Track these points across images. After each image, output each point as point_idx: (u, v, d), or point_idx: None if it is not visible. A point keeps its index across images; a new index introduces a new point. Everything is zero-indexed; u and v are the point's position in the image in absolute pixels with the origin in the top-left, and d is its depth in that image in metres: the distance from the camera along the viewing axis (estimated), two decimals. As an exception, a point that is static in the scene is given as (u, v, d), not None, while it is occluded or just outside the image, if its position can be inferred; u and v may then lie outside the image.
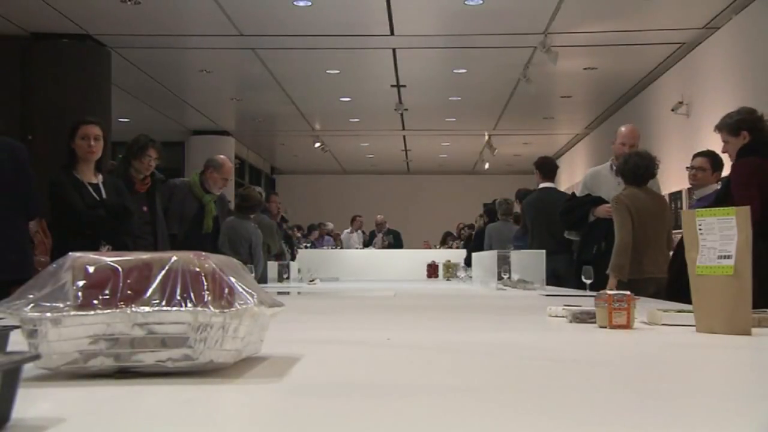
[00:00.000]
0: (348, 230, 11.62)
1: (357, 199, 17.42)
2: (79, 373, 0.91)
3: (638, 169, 3.98)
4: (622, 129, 4.56)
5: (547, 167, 5.50)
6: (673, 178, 8.01)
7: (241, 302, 0.95)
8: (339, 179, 18.23)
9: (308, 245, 10.27)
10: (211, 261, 0.96)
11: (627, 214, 3.90)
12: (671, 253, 3.98)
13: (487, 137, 13.60)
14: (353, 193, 17.90)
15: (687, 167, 4.24)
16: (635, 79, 9.71)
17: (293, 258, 7.20)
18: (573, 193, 4.82)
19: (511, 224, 6.94)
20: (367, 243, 11.33)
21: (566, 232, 4.72)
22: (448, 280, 7.20)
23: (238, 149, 14.13)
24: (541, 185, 5.50)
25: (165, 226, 4.23)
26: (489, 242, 6.91)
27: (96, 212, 3.58)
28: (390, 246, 10.65)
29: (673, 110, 8.68)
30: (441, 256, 8.35)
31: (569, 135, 13.77)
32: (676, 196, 8.29)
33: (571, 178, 14.11)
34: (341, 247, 11.36)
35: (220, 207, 4.90)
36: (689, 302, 1.61)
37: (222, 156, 4.94)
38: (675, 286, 3.55)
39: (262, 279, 5.15)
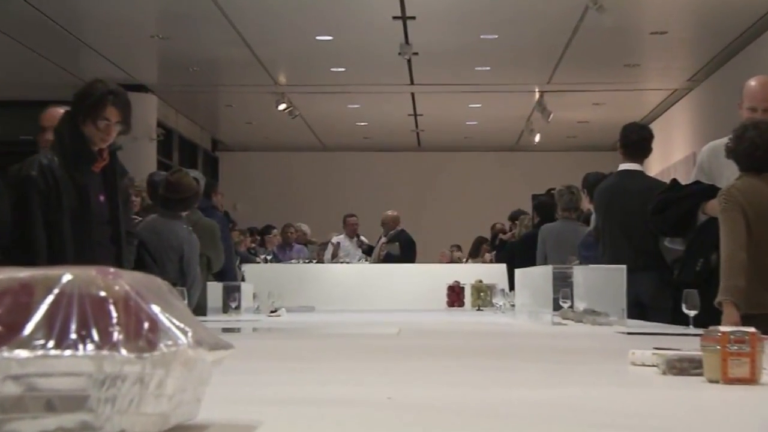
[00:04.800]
0: (340, 235, 11.56)
1: (343, 190, 17.44)
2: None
3: (756, 149, 3.91)
4: (752, 84, 4.45)
5: (635, 140, 5.48)
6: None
7: (169, 342, 0.95)
8: (316, 159, 18.25)
9: (267, 257, 10.27)
10: (123, 281, 0.96)
11: (740, 215, 3.87)
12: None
13: (538, 95, 13.60)
14: (338, 180, 17.94)
15: None
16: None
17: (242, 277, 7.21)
18: (674, 181, 4.78)
19: (576, 225, 6.94)
20: (366, 252, 11.30)
21: (666, 240, 4.72)
22: (478, 309, 7.17)
23: (162, 113, 14.14)
24: (622, 167, 5.49)
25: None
26: (543, 253, 6.90)
27: None
28: (390, 258, 10.59)
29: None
30: (469, 273, 8.33)
31: (663, 91, 13.79)
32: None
33: (664, 156, 14.13)
34: (318, 260, 11.35)
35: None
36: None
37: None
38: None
39: (198, 308, 5.15)
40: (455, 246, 14.69)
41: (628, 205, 5.24)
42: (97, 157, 3.89)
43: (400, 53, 11.10)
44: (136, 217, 5.14)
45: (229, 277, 6.27)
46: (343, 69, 12.42)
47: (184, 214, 5.44)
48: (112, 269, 0.98)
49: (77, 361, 0.91)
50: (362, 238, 11.49)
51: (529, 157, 17.68)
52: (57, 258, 3.64)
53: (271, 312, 5.78)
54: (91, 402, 0.91)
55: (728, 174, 4.26)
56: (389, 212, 11.25)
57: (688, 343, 2.24)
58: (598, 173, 6.34)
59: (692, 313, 3.57)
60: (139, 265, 4.23)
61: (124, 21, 10.30)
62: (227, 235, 6.99)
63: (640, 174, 5.48)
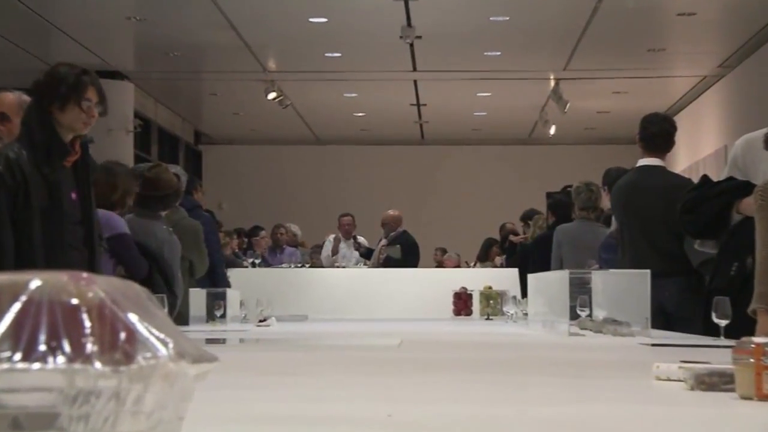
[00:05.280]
0: (334, 237, 11.55)
1: (338, 187, 17.46)
2: None
3: None
4: None
5: (655, 132, 5.48)
6: None
7: (148, 355, 0.95)
8: (309, 153, 18.27)
9: (256, 261, 10.27)
10: (97, 287, 0.96)
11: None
12: None
13: (553, 83, 13.60)
14: (333, 176, 17.94)
15: None
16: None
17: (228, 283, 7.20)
18: (704, 177, 4.77)
19: (595, 226, 6.95)
20: (365, 255, 11.29)
21: (696, 242, 4.71)
22: (488, 318, 7.18)
23: (139, 102, 14.14)
24: (641, 162, 5.50)
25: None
26: (558, 256, 6.91)
27: None
28: (391, 262, 10.60)
29: None
30: (477, 279, 8.34)
31: (691, 79, 13.80)
32: None
33: (692, 150, 14.13)
34: (311, 264, 11.35)
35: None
36: None
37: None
38: None
39: (180, 317, 5.14)
40: (440, 249, 14.66)
41: (647, 204, 5.24)
42: (70, 150, 3.88)
43: (401, 37, 11.10)
44: None
45: (219, 282, 6.27)
46: (338, 54, 12.43)
47: (163, 213, 5.44)
48: (85, 274, 0.98)
49: (47, 375, 0.91)
50: (360, 239, 11.48)
51: (543, 151, 17.70)
52: (26, 262, 3.63)
53: (260, 321, 5.78)
54: (61, 420, 0.91)
55: (765, 168, 4.26)
56: (390, 212, 11.24)
57: (718, 356, 2.24)
58: (621, 168, 6.34)
59: (723, 322, 3.57)
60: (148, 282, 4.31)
61: (97, 1, 10.30)
62: (216, 236, 6.99)
63: (661, 170, 5.48)
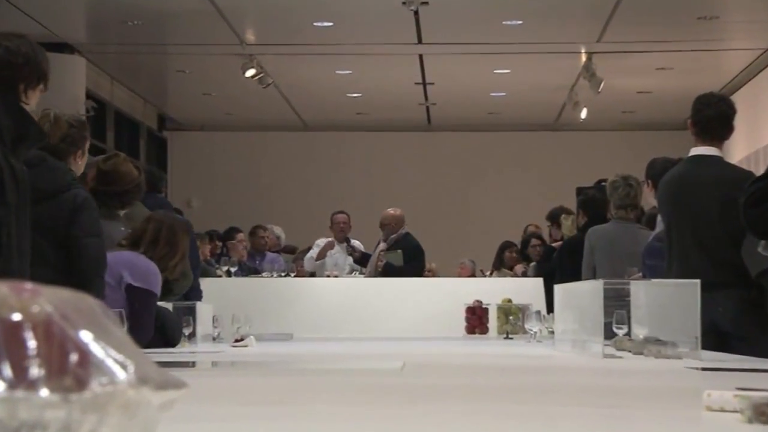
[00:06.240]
0: (325, 240, 11.55)
1: (329, 182, 17.46)
2: None
3: None
4: None
5: (710, 116, 5.49)
6: None
7: (104, 380, 0.95)
8: (294, 141, 18.27)
9: (231, 269, 10.29)
10: (44, 300, 0.97)
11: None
12: None
13: (584, 58, 13.60)
14: (323, 169, 17.93)
15: None
16: None
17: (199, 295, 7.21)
18: None
19: (634, 228, 6.95)
20: (360, 262, 11.29)
21: (761, 245, 4.71)
22: (507, 337, 7.20)
23: (92, 80, 14.15)
24: (693, 151, 5.51)
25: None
26: (590, 264, 6.92)
27: None
28: (391, 270, 10.60)
29: None
30: (494, 290, 8.35)
31: (749, 52, 13.81)
32: None
33: (751, 137, 14.12)
34: (297, 273, 11.35)
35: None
36: None
37: None
38: None
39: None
40: (470, 261, 14.55)
41: (699, 202, 5.25)
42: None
43: (404, 3, 11.12)
44: None
45: (192, 294, 6.28)
46: (330, 23, 12.44)
47: (122, 212, 5.44)
48: (29, 284, 0.99)
49: (-17, 404, 0.91)
50: (354, 243, 11.48)
51: (572, 138, 17.72)
52: (2, 266, 3.65)
53: (236, 341, 5.78)
54: (1, 457, 0.92)
55: None
56: (389, 211, 11.24)
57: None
58: (668, 159, 6.35)
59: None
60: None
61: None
62: (194, 243, 7.00)
63: (717, 160, 5.50)
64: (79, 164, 4.93)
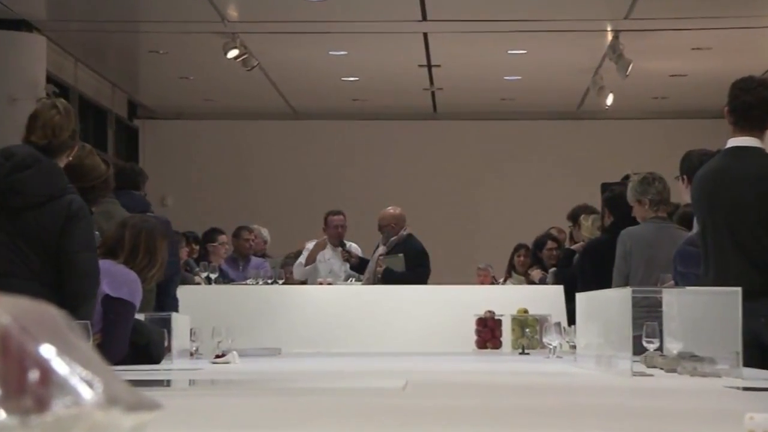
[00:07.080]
0: (319, 243, 11.54)
1: (322, 177, 17.45)
2: None
3: None
4: None
5: (751, 103, 5.50)
6: None
7: (68, 400, 0.96)
8: (282, 131, 18.26)
9: (212, 275, 10.30)
10: (1, 310, 0.97)
11: None
12: None
13: (610, 36, 13.60)
14: (315, 162, 17.93)
15: None
16: None
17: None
18: None
19: (671, 228, 6.96)
20: (357, 268, 11.28)
21: None
22: (523, 352, 7.21)
23: (54, 62, 14.13)
24: (731, 142, 5.52)
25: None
26: (624, 270, 6.93)
27: None
28: (392, 276, 10.60)
29: None
30: (508, 299, 8.35)
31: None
32: None
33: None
34: (285, 280, 11.36)
35: None
36: None
37: None
38: None
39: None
40: (488, 266, 14.55)
41: (739, 199, 5.26)
42: None
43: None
44: None
45: (167, 305, 6.28)
46: (322, -2, 12.45)
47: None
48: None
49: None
50: (351, 246, 11.49)
51: (597, 127, 17.72)
52: None
53: (217, 356, 5.80)
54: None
55: None
56: (389, 210, 11.24)
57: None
58: (705, 152, 6.36)
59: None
60: None
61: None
62: (175, 246, 7.01)
63: (758, 152, 5.50)
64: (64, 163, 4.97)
